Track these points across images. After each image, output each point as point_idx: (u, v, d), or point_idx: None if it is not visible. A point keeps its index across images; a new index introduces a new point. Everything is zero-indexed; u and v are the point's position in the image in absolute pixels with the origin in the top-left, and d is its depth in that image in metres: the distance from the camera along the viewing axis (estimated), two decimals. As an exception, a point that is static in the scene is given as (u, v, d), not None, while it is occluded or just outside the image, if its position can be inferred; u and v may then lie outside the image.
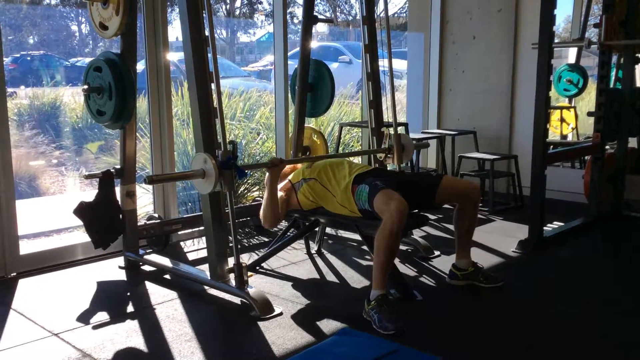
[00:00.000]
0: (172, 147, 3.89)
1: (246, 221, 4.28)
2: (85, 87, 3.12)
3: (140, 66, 3.77)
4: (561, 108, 5.57)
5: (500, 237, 4.00)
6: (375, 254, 2.65)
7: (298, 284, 3.17)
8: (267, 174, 3.02)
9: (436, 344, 2.46)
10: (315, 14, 3.89)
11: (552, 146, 4.69)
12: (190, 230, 3.94)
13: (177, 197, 4.05)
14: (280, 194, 3.10)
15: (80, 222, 3.22)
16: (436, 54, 5.69)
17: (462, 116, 5.62)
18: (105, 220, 3.25)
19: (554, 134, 5.53)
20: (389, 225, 2.57)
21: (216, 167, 2.68)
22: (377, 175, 2.96)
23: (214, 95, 2.83)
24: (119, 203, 3.32)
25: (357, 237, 3.67)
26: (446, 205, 3.22)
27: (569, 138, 5.69)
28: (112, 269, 3.40)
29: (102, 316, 2.75)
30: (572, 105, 5.56)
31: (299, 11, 11.88)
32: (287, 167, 3.35)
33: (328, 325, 2.61)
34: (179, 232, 3.87)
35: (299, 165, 3.33)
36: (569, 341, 2.51)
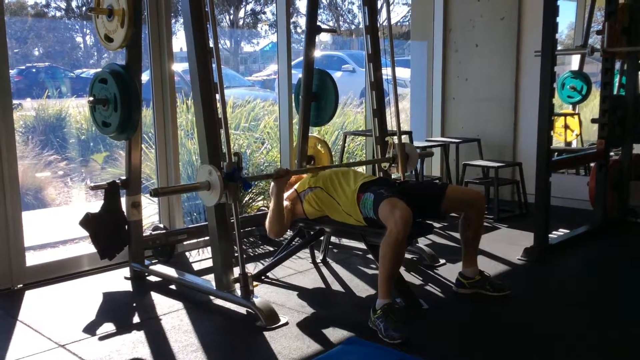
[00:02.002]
0: (177, 158, 3.91)
1: (251, 231, 4.29)
2: (91, 98, 3.15)
3: (145, 77, 3.79)
4: (565, 115, 5.57)
5: (505, 245, 4.00)
6: (380, 262, 2.65)
7: (303, 293, 3.16)
8: (273, 184, 3.03)
9: (442, 352, 2.45)
10: (318, 23, 3.92)
11: (556, 153, 4.68)
12: (195, 241, 3.94)
13: (183, 207, 4.06)
14: (285, 203, 3.10)
15: (86, 233, 3.23)
16: (439, 62, 5.70)
17: (466, 124, 5.63)
18: (110, 231, 3.26)
19: (558, 141, 5.53)
20: (394, 234, 2.57)
21: (221, 179, 2.69)
22: (383, 184, 2.97)
23: (219, 106, 2.84)
24: (125, 214, 3.33)
25: (363, 245, 3.67)
26: (452, 214, 3.21)
27: (574, 145, 5.68)
28: (118, 280, 3.41)
29: (108, 327, 2.75)
30: (576, 112, 5.56)
31: (302, 21, 11.93)
32: (293, 177, 3.36)
33: (334, 335, 2.60)
34: (185, 243, 3.88)
35: (305, 175, 3.34)
36: (576, 349, 2.50)
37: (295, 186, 3.22)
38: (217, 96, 2.84)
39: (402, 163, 3.66)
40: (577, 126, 5.57)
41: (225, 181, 2.70)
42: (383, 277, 2.63)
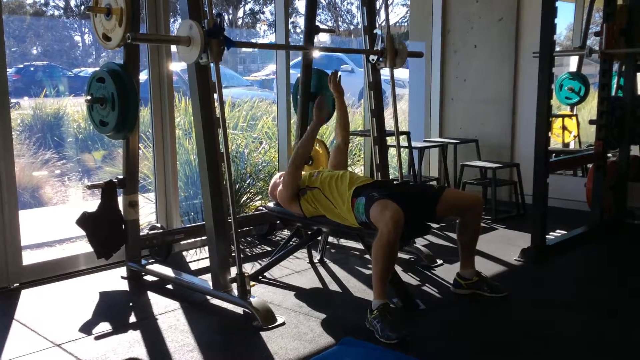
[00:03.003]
0: (174, 157, 3.90)
1: (249, 231, 4.29)
2: (89, 97, 3.14)
3: (143, 76, 3.78)
4: (563, 116, 5.58)
5: (502, 246, 4.00)
6: (373, 263, 2.65)
7: (301, 293, 3.16)
8: (315, 118, 3.04)
9: (439, 353, 2.45)
10: (317, 23, 3.91)
11: (554, 154, 4.69)
12: (192, 240, 3.94)
13: (180, 206, 4.05)
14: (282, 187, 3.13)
15: (83, 232, 3.22)
16: (437, 63, 5.71)
17: (464, 125, 5.63)
18: (107, 231, 3.25)
19: (556, 142, 5.54)
20: (385, 235, 2.57)
21: (202, 34, 2.58)
22: (377, 187, 2.95)
23: (217, 105, 2.84)
24: (122, 213, 3.33)
25: (360, 246, 3.67)
26: (448, 218, 3.21)
27: (571, 146, 5.69)
28: (115, 279, 3.40)
29: (104, 327, 2.75)
30: (574, 113, 5.57)
31: (301, 21, 11.94)
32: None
33: (331, 335, 2.60)
34: (182, 242, 3.87)
35: (303, 172, 3.33)
36: (573, 350, 2.50)
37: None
38: (215, 95, 2.84)
39: (391, 56, 3.53)
40: (574, 127, 5.57)
41: (207, 38, 2.59)
42: (377, 277, 2.63)
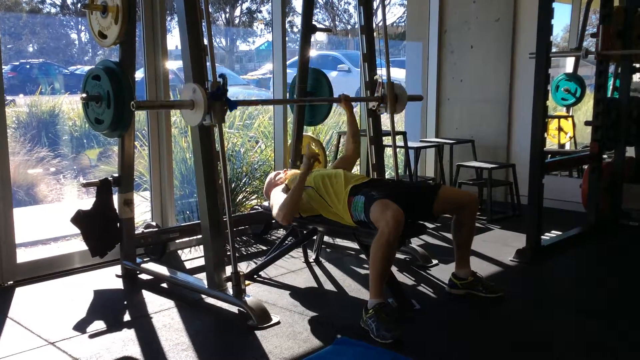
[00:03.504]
0: (170, 156, 3.89)
1: (244, 230, 4.28)
2: (84, 95, 3.13)
3: (139, 74, 3.77)
4: (559, 117, 5.59)
5: (498, 246, 4.00)
6: (371, 263, 2.65)
7: (296, 292, 3.16)
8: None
9: (434, 353, 2.45)
10: (314, 23, 3.92)
11: (549, 155, 4.70)
12: (187, 239, 3.93)
13: (175, 205, 4.04)
14: (280, 193, 3.10)
15: (78, 231, 3.21)
16: (434, 63, 5.71)
17: (460, 125, 5.64)
18: (102, 229, 3.25)
19: (551, 143, 5.55)
20: (385, 234, 2.57)
21: (205, 97, 2.62)
22: (374, 186, 2.95)
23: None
24: (117, 211, 3.32)
25: (355, 245, 3.67)
26: (444, 215, 3.21)
27: (567, 147, 5.71)
28: (109, 278, 3.39)
29: (98, 325, 2.74)
30: (570, 114, 5.58)
31: (298, 20, 11.94)
32: (286, 175, 3.35)
33: (326, 335, 2.60)
34: (177, 241, 3.86)
35: (296, 171, 3.33)
36: (568, 350, 2.51)
37: (286, 182, 3.22)
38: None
39: (391, 102, 3.58)
40: (570, 128, 5.59)
41: (210, 100, 2.63)
42: (374, 277, 2.63)
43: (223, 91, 2.68)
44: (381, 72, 3.79)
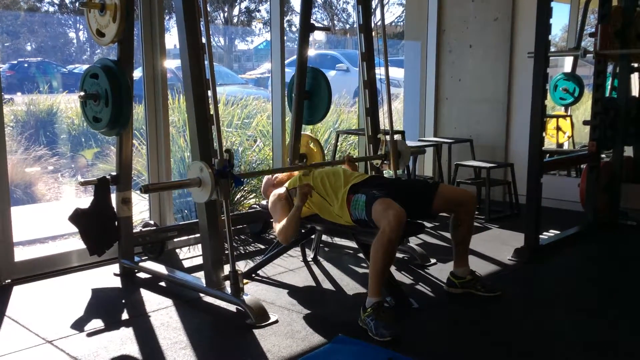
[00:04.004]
0: (168, 154, 3.89)
1: (242, 228, 4.28)
2: (82, 93, 3.12)
3: (138, 73, 3.77)
4: (557, 117, 5.59)
5: (496, 245, 4.01)
6: (371, 261, 2.64)
7: (294, 291, 3.16)
8: (298, 197, 2.92)
9: (432, 351, 2.45)
10: (312, 22, 3.91)
11: (548, 154, 4.70)
12: (186, 238, 3.93)
13: (173, 204, 4.04)
14: (277, 198, 3.09)
15: (76, 229, 3.21)
16: (433, 63, 5.71)
17: (458, 124, 5.64)
18: (100, 227, 3.24)
19: (550, 143, 5.55)
20: (387, 233, 2.57)
21: (212, 176, 2.68)
22: (373, 184, 2.96)
23: (211, 103, 2.83)
24: (115, 210, 3.31)
25: (353, 244, 3.67)
26: (442, 213, 3.21)
27: (565, 146, 5.71)
28: (107, 276, 3.39)
29: (96, 323, 2.73)
30: (568, 113, 5.58)
31: (296, 19, 11.91)
32: (284, 175, 3.35)
33: (324, 333, 2.60)
34: (175, 240, 3.86)
35: (296, 173, 3.33)
36: (565, 349, 2.51)
37: (286, 184, 3.21)
38: (209, 93, 2.83)
39: (395, 160, 3.66)
40: (569, 128, 5.59)
41: (217, 178, 2.70)
42: (374, 275, 2.63)
43: (229, 168, 2.73)
44: (380, 71, 3.80)
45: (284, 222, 2.94)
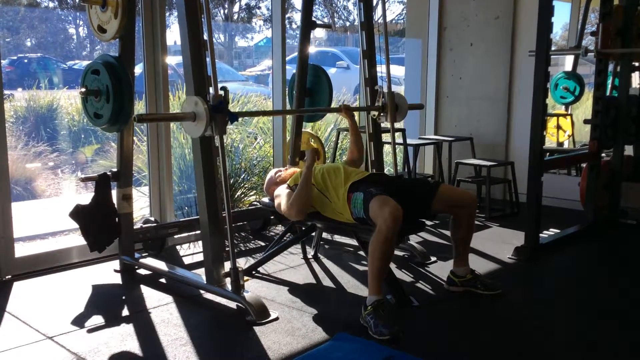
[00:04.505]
0: (169, 151, 3.89)
1: (243, 225, 4.28)
2: (83, 89, 3.12)
3: (138, 69, 3.76)
4: (558, 115, 5.59)
5: (496, 244, 4.01)
6: (369, 259, 2.64)
7: (294, 288, 3.16)
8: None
9: (432, 349, 2.45)
10: (313, 19, 3.90)
11: (548, 153, 4.70)
12: (186, 234, 3.92)
13: (174, 200, 4.04)
14: (279, 194, 3.09)
15: (76, 225, 3.21)
16: (434, 61, 5.71)
17: (459, 122, 5.63)
18: (101, 224, 3.24)
19: (550, 141, 5.55)
20: (384, 231, 2.57)
21: (207, 111, 2.65)
22: (373, 182, 2.95)
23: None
24: (115, 206, 3.31)
25: (354, 242, 3.67)
26: (441, 214, 3.21)
27: (565, 145, 5.71)
28: (108, 273, 3.39)
29: (97, 320, 2.73)
30: (569, 112, 5.58)
31: (297, 16, 11.92)
32: (286, 173, 3.35)
33: (324, 331, 2.60)
34: (175, 236, 3.86)
35: (297, 170, 3.33)
36: (565, 348, 2.51)
37: (288, 181, 3.21)
38: (211, 89, 2.82)
39: (392, 112, 3.62)
40: (569, 127, 5.59)
41: (212, 113, 2.66)
42: (372, 274, 2.63)
43: (225, 104, 2.71)
44: (381, 69, 3.79)
45: (296, 191, 2.93)
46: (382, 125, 3.85)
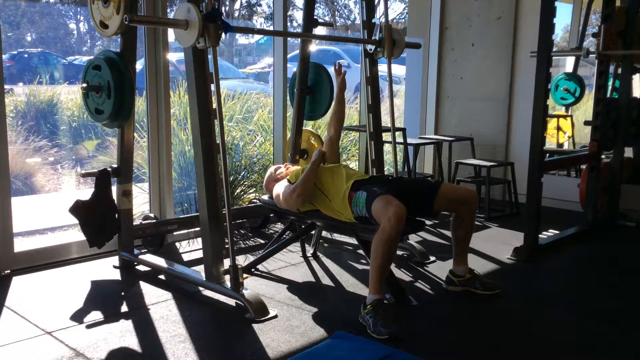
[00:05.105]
0: (169, 147, 3.89)
1: (242, 223, 4.28)
2: (84, 85, 3.11)
3: (139, 65, 3.76)
4: (558, 116, 5.59)
5: (495, 244, 4.01)
6: (372, 258, 2.64)
7: (293, 286, 3.16)
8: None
9: (430, 349, 2.46)
10: (314, 17, 3.90)
11: (548, 154, 4.70)
12: (186, 231, 3.92)
13: (174, 197, 4.04)
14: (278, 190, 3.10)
15: (76, 221, 3.21)
16: (435, 60, 5.70)
17: (459, 122, 5.64)
18: (100, 219, 3.24)
19: (550, 142, 5.55)
20: (387, 230, 2.57)
21: (200, 18, 2.57)
22: (375, 182, 2.95)
23: (213, 97, 2.82)
24: (115, 202, 3.31)
25: (353, 241, 3.67)
26: (443, 212, 3.21)
27: (565, 146, 5.71)
28: (107, 268, 3.39)
29: (95, 315, 2.73)
30: (569, 114, 5.58)
31: (298, 14, 11.91)
32: (286, 171, 3.35)
33: (323, 329, 2.60)
34: (175, 233, 3.86)
35: (297, 167, 3.33)
36: (563, 349, 2.51)
37: (287, 177, 3.21)
38: (212, 86, 2.82)
39: (389, 46, 3.55)
40: (569, 128, 5.59)
41: (205, 22, 2.58)
42: (374, 273, 2.63)
43: (218, 12, 2.60)
44: (382, 67, 3.79)
45: (301, 176, 2.94)
46: (382, 124, 3.85)
